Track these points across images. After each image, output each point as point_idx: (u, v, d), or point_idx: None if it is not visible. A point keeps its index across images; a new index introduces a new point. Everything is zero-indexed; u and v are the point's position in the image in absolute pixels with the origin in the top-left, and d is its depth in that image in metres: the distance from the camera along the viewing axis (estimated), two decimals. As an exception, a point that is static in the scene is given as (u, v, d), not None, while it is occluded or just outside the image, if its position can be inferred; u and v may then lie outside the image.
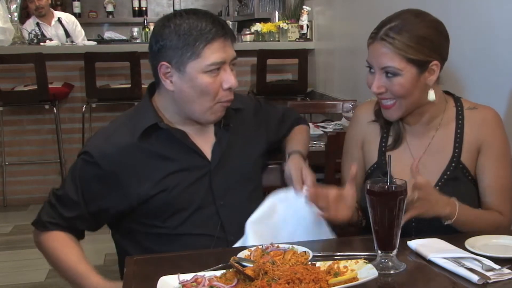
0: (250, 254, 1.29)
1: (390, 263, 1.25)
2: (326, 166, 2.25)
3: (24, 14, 5.66)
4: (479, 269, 1.20)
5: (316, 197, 1.43)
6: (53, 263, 1.58)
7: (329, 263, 1.19)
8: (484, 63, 2.18)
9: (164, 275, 1.17)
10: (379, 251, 1.26)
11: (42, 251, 1.59)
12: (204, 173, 1.56)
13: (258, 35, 5.26)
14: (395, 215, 1.24)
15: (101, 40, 5.24)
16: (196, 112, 1.52)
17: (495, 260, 1.24)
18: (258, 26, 5.26)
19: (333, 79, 4.38)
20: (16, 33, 4.71)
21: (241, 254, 1.29)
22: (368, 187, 1.27)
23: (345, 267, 1.17)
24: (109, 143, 1.52)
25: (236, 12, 7.42)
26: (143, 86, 4.25)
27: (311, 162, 1.71)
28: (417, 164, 1.37)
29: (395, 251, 1.26)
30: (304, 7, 4.83)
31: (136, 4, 7.55)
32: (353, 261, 1.18)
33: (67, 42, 5.13)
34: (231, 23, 5.39)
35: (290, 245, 1.32)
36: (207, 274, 1.17)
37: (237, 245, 1.46)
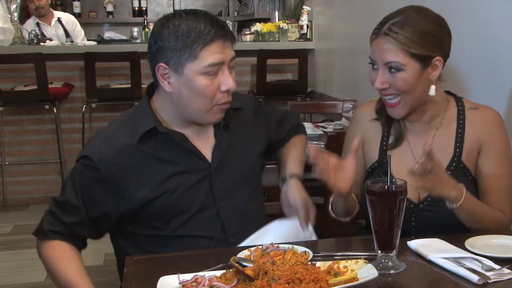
0: (250, 254, 1.29)
1: (390, 263, 1.25)
2: (326, 166, 2.24)
3: (24, 14, 5.65)
4: (479, 269, 1.20)
5: (318, 158, 1.43)
6: (50, 273, 1.52)
7: (329, 263, 1.19)
8: (484, 63, 2.18)
9: (164, 275, 1.17)
10: (379, 251, 1.26)
11: (42, 260, 1.54)
12: (205, 175, 1.56)
13: (258, 35, 5.25)
14: (395, 215, 1.24)
15: (101, 40, 5.23)
16: (194, 114, 1.52)
17: (495, 260, 1.24)
18: (258, 26, 5.25)
19: (333, 79, 4.38)
20: (16, 33, 4.70)
21: (241, 254, 1.29)
22: (368, 187, 1.26)
23: (345, 267, 1.17)
24: (108, 145, 1.50)
25: (236, 12, 7.42)
26: (143, 86, 4.24)
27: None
28: (430, 142, 1.35)
29: (395, 251, 1.26)
30: (304, 7, 4.83)
31: (136, 4, 7.54)
32: (353, 261, 1.18)
33: (67, 42, 5.13)
34: (231, 23, 5.38)
35: (290, 245, 1.32)
36: (207, 274, 1.17)
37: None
